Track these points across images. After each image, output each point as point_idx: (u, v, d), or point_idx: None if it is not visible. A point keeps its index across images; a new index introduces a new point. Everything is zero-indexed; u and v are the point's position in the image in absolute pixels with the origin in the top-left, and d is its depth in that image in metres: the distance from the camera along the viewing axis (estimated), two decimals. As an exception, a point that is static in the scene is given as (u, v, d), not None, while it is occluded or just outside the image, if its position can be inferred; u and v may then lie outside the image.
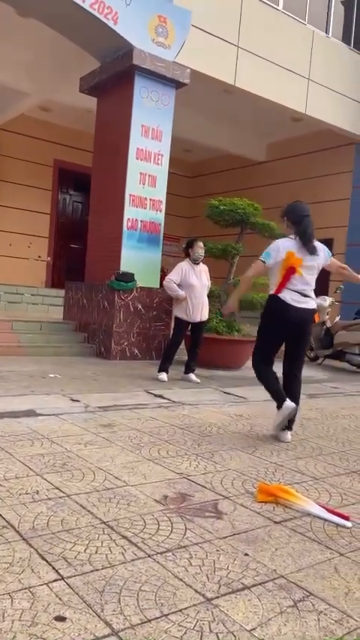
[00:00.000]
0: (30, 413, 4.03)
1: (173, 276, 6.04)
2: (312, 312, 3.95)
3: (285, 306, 3.80)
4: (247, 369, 4.14)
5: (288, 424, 3.88)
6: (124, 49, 7.32)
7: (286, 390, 3.91)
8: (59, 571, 1.83)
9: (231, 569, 1.94)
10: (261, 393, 4.07)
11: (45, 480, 2.69)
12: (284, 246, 3.84)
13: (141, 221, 7.67)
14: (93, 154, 8.45)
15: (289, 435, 3.87)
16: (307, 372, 7.77)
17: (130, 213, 7.57)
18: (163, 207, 7.89)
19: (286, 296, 3.80)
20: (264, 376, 3.99)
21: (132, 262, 7.53)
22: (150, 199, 7.73)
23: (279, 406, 3.85)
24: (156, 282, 7.85)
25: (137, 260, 7.60)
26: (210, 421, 4.28)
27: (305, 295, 3.85)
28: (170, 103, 7.81)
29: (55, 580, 1.77)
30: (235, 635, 1.55)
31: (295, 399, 3.91)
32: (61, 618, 1.57)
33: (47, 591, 1.71)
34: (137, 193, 7.61)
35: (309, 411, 5.05)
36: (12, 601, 1.64)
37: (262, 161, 13.06)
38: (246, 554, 2.06)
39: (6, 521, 2.19)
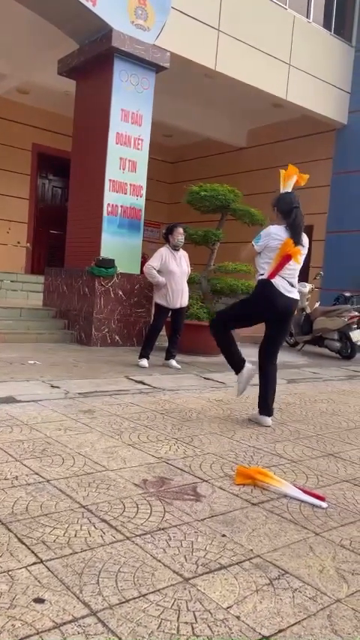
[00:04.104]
0: (9, 399, 4.02)
1: (153, 263, 6.03)
2: (297, 302, 3.99)
3: (276, 293, 3.81)
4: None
5: (269, 408, 3.93)
6: (103, 30, 7.20)
7: (264, 382, 3.97)
8: (38, 554, 1.84)
9: (209, 549, 1.98)
10: (240, 378, 4.10)
11: (24, 465, 2.69)
12: (277, 233, 3.82)
13: (121, 206, 7.62)
14: (72, 138, 8.33)
15: (269, 419, 3.92)
16: (287, 357, 7.88)
17: (110, 198, 7.50)
18: (143, 192, 7.84)
19: (278, 283, 3.82)
20: (224, 337, 4.04)
21: (112, 248, 7.48)
22: (130, 184, 7.67)
23: (238, 371, 3.97)
24: (137, 269, 7.82)
25: (118, 246, 7.55)
26: (190, 406, 4.31)
27: (293, 285, 3.90)
28: (150, 87, 7.72)
29: (34, 563, 1.79)
30: (211, 613, 1.59)
31: (273, 394, 3.99)
32: (39, 600, 1.58)
33: (26, 574, 1.72)
34: (117, 178, 7.54)
35: (288, 395, 5.12)
36: (-9, 584, 1.65)
37: (242, 147, 13.03)
38: (223, 535, 2.10)
39: (-15, 506, 2.19)
